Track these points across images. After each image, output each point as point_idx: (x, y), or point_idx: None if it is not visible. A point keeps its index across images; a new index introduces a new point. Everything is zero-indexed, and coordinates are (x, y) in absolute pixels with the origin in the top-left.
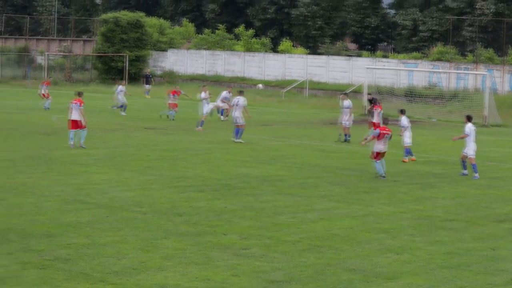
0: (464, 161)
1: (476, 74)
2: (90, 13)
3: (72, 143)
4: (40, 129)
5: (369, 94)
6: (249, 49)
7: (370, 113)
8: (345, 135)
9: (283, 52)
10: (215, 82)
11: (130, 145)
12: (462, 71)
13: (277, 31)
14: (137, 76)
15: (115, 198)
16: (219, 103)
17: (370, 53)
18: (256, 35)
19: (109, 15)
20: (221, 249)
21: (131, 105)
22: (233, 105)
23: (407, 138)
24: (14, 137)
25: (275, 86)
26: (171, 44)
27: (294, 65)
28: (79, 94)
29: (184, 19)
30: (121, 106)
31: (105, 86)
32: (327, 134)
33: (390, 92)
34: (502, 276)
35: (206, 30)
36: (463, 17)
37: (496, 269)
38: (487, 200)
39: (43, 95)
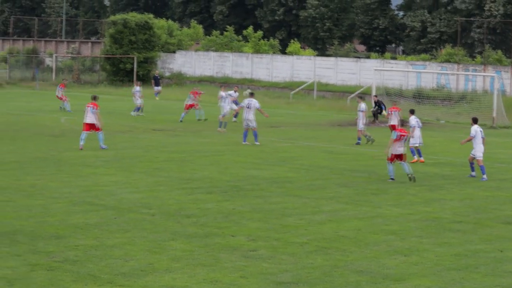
0: (472, 162)
1: (484, 75)
2: (98, 15)
3: (82, 143)
4: (49, 131)
5: (375, 96)
6: (257, 51)
7: (374, 115)
8: (358, 138)
9: (291, 53)
10: (223, 83)
11: (139, 147)
12: (470, 73)
13: (286, 33)
14: (145, 78)
15: (123, 199)
16: (233, 106)
17: (379, 54)
18: (264, 37)
19: (118, 17)
20: (229, 250)
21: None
22: (245, 107)
23: (413, 138)
24: (23, 138)
25: (283, 87)
26: (179, 46)
27: (302, 66)
28: (95, 98)
29: (193, 20)
30: (139, 108)
31: (113, 88)
32: (335, 136)
33: (398, 94)
34: (510, 277)
35: (215, 32)
36: (471, 19)
37: (504, 270)
38: (496, 202)
39: (60, 97)
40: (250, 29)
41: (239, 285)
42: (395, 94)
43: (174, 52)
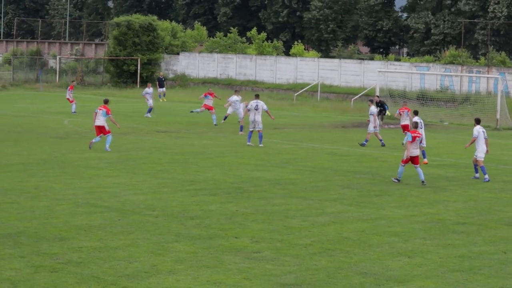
0: (476, 164)
1: (488, 77)
2: (102, 17)
3: (93, 141)
4: (52, 133)
5: (377, 96)
6: (261, 53)
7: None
8: (366, 139)
9: (295, 55)
10: (227, 85)
11: (142, 149)
12: (474, 75)
13: (289, 35)
14: (149, 79)
15: (127, 201)
16: (241, 110)
17: (383, 56)
18: (268, 39)
19: (121, 19)
20: (233, 252)
21: (144, 109)
22: (252, 109)
23: None
24: (27, 140)
25: (287, 89)
26: (183, 48)
27: (306, 68)
28: (106, 101)
29: (196, 22)
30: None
31: (117, 90)
32: (338, 138)
33: (402, 95)
34: None
35: (218, 34)
36: (475, 20)
37: (508, 272)
38: (500, 204)
39: (68, 99)
40: (254, 30)
41: (243, 287)
42: (399, 96)
43: (178, 53)
